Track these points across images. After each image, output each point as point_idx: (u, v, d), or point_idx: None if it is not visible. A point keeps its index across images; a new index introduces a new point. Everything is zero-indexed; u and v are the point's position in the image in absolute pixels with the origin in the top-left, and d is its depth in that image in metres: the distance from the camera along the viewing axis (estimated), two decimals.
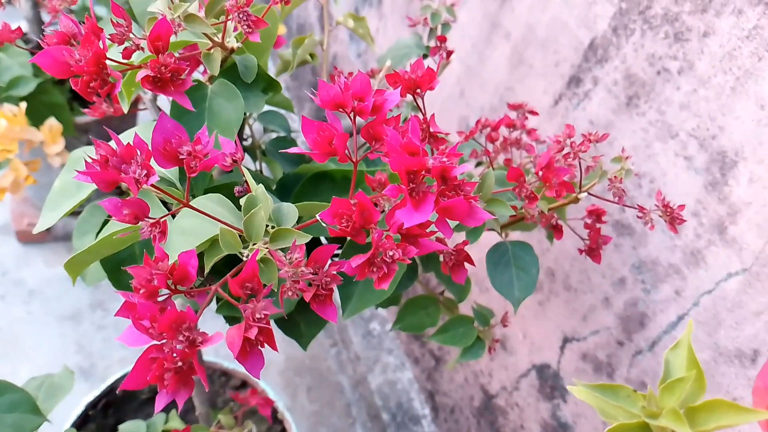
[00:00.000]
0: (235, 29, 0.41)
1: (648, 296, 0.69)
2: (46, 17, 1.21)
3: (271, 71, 0.61)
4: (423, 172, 0.30)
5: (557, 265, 0.82)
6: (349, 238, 0.40)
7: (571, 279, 0.80)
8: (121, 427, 0.79)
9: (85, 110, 0.60)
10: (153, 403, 0.98)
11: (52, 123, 1.06)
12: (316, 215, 0.32)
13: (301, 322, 0.60)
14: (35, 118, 1.07)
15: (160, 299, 0.31)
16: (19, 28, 0.54)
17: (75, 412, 0.90)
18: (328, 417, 1.26)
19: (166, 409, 0.83)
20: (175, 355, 0.28)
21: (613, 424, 0.27)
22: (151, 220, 0.32)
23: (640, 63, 0.68)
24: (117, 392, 0.95)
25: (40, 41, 0.37)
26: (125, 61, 0.38)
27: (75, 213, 0.57)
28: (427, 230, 0.32)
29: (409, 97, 0.41)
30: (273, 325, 0.57)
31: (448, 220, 0.31)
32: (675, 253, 0.65)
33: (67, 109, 1.15)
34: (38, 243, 1.46)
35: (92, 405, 0.92)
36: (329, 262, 0.34)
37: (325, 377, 1.33)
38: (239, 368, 1.00)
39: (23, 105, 1.01)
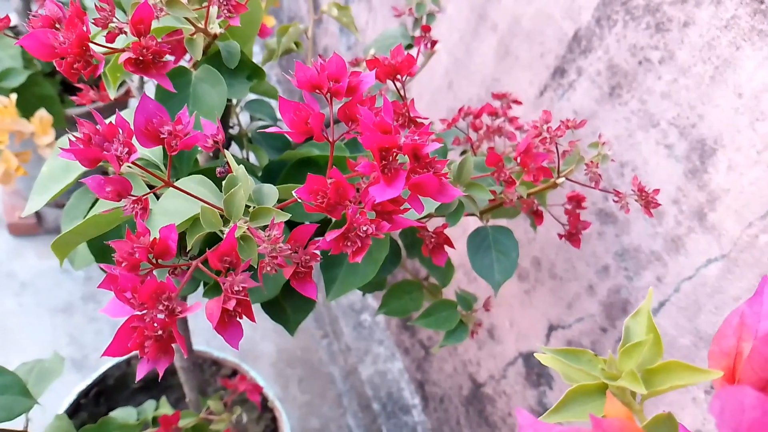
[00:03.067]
0: (219, 16, 0.42)
1: (631, 283, 0.70)
2: (35, 8, 1.21)
3: (260, 61, 0.62)
4: (395, 150, 0.31)
5: (543, 254, 0.83)
6: (333, 221, 0.41)
7: (557, 268, 0.81)
8: (113, 413, 0.80)
9: (73, 98, 0.61)
10: (144, 392, 0.99)
11: (42, 114, 1.07)
12: (294, 193, 0.33)
13: (288, 307, 0.61)
14: (26, 109, 1.08)
15: (142, 273, 0.32)
16: (7, 17, 0.55)
17: (67, 401, 0.91)
18: (319, 407, 1.27)
19: (156, 397, 0.84)
20: (155, 324, 0.29)
21: (574, 386, 0.28)
22: (134, 197, 0.33)
23: (622, 53, 0.69)
24: (108, 379, 0.96)
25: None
26: (109, 45, 0.39)
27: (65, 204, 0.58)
28: (401, 207, 0.33)
29: (393, 86, 0.42)
30: (260, 310, 0.58)
31: (420, 198, 0.32)
32: (656, 240, 0.66)
33: (58, 100, 1.15)
34: (30, 236, 1.46)
35: (84, 394, 0.93)
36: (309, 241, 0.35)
37: (317, 368, 1.34)
38: (229, 357, 1.01)
39: (14, 96, 1.02)
